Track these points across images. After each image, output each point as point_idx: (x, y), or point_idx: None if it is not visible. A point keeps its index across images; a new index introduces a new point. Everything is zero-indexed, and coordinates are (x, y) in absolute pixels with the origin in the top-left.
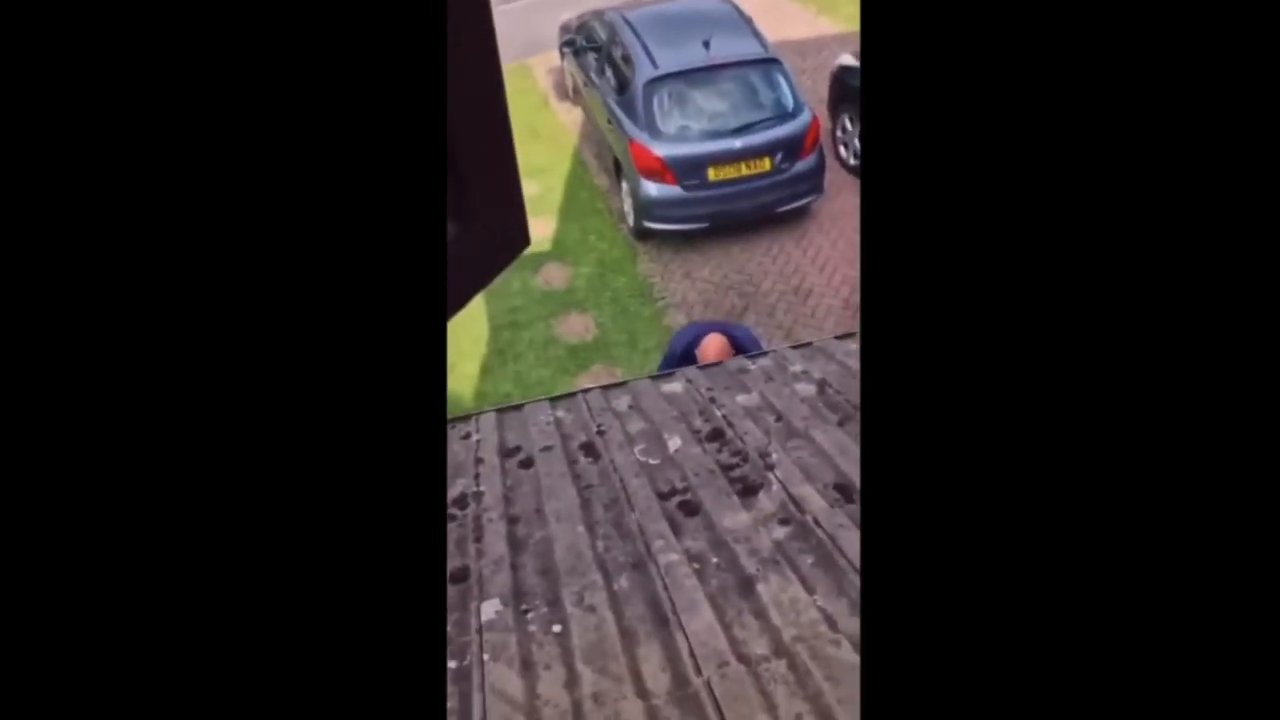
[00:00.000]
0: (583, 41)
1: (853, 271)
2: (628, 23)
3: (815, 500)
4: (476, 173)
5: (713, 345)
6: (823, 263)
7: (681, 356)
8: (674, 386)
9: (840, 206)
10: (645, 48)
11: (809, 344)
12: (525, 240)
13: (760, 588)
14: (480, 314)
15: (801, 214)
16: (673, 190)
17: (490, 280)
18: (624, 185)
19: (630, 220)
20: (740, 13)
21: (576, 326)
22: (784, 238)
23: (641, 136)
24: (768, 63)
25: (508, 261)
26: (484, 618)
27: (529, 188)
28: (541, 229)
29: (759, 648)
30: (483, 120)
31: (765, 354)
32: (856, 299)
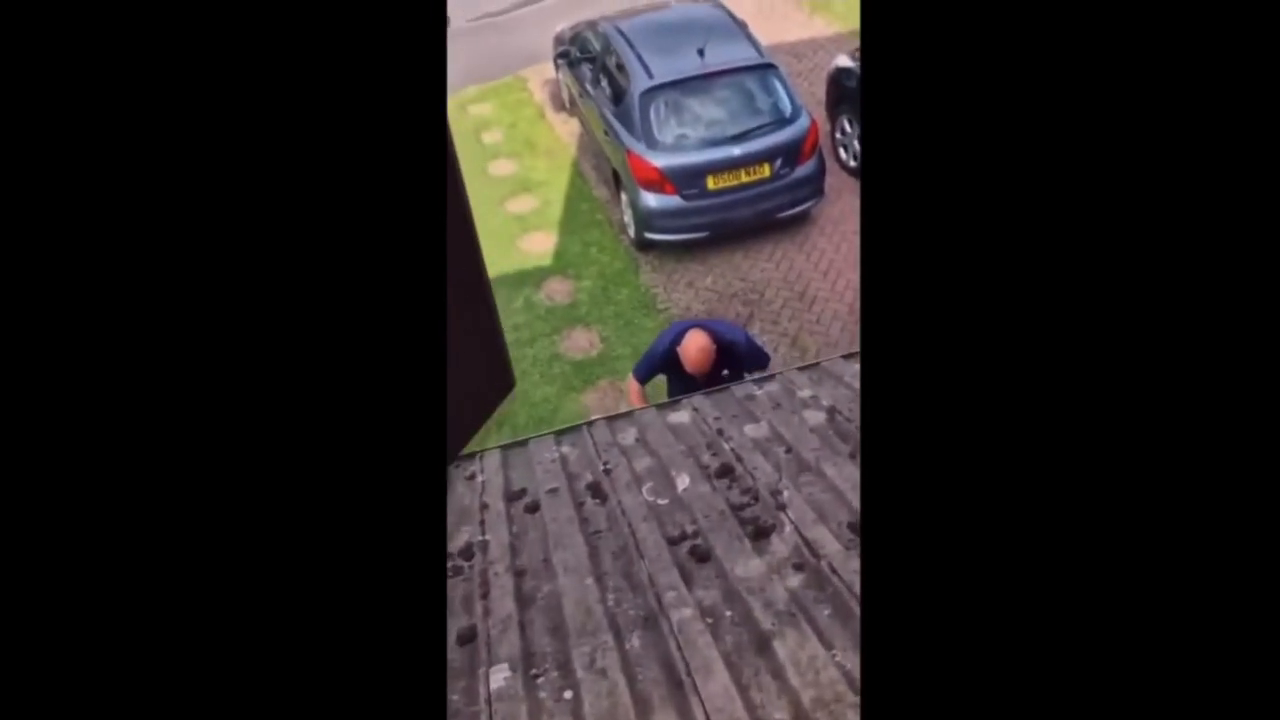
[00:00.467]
0: (577, 53)
1: (855, 275)
2: (621, 33)
3: (830, 543)
4: (454, 320)
5: (694, 342)
6: (825, 267)
7: (664, 354)
8: (681, 417)
9: (841, 210)
10: (640, 58)
11: (816, 365)
12: (510, 383)
13: (776, 644)
14: None
15: (803, 218)
16: (672, 200)
17: (481, 425)
18: (623, 196)
19: (631, 231)
20: (733, 18)
21: (581, 342)
22: (786, 243)
23: (639, 147)
24: (763, 68)
25: (495, 405)
26: (493, 685)
27: (528, 202)
28: (542, 243)
29: (777, 711)
30: (462, 278)
31: (772, 378)
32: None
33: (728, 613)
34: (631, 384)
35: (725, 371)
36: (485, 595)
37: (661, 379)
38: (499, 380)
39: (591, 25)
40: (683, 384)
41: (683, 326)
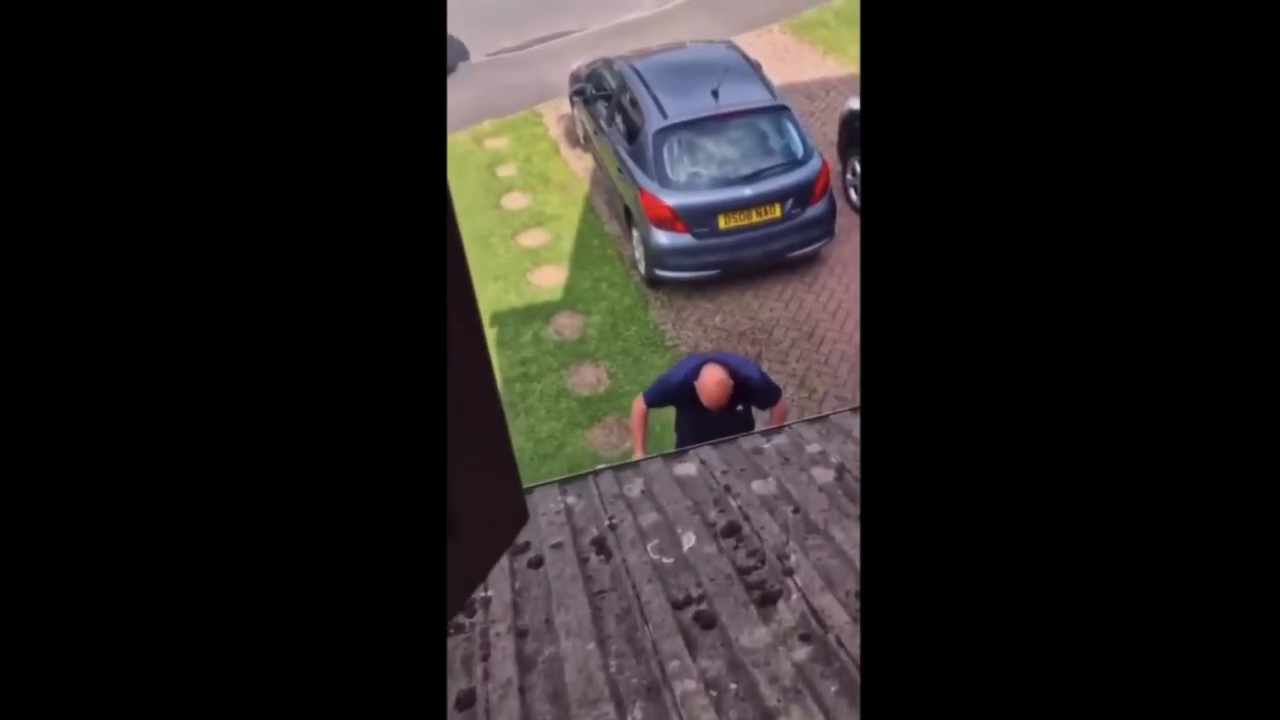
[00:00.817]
0: (592, 90)
1: None
2: (636, 72)
3: (838, 613)
4: (471, 454)
5: (712, 376)
6: (835, 308)
7: (680, 386)
8: (688, 469)
9: (851, 251)
10: (654, 97)
11: (825, 418)
12: (524, 517)
13: None
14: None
15: (813, 259)
16: (684, 239)
17: (495, 561)
18: (635, 233)
19: (641, 268)
20: (748, 60)
21: (588, 378)
22: (795, 282)
23: (652, 186)
24: (776, 110)
25: (509, 541)
26: None
27: (539, 236)
28: (553, 277)
29: None
30: (475, 409)
31: (780, 430)
32: None
33: (732, 685)
34: (638, 406)
35: (739, 407)
36: (486, 657)
37: (667, 412)
38: (511, 514)
39: (608, 63)
40: (693, 415)
41: (698, 360)
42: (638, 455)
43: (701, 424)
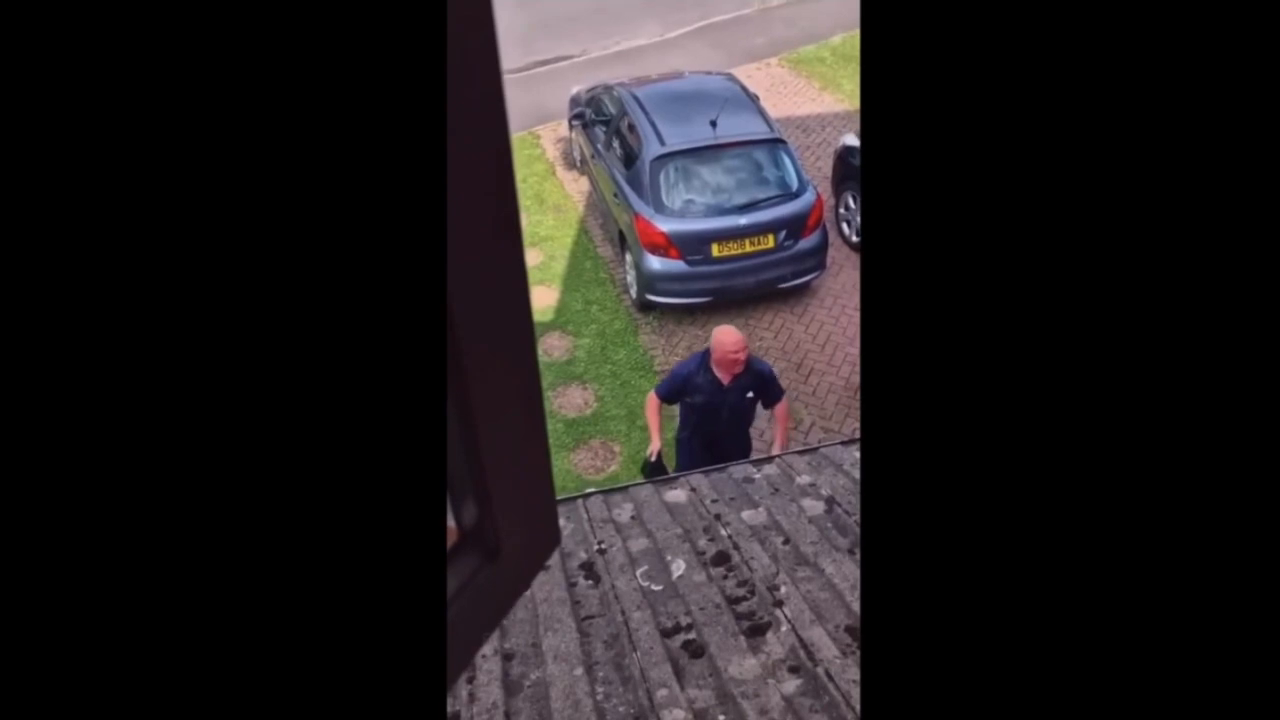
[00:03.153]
0: (592, 114)
1: (853, 349)
2: (636, 98)
3: (827, 646)
4: (516, 471)
5: (729, 334)
6: (824, 340)
7: (688, 377)
8: (678, 496)
9: (842, 283)
10: (653, 124)
11: (815, 449)
12: (556, 539)
13: None
14: None
15: (803, 290)
16: (677, 265)
17: (528, 584)
18: (628, 257)
19: (633, 292)
20: (746, 92)
21: (576, 399)
22: (786, 313)
23: (647, 211)
24: (773, 142)
25: (541, 564)
26: None
27: (532, 256)
28: (544, 298)
29: None
30: (522, 422)
31: (770, 460)
32: (857, 378)
33: (720, 716)
34: (651, 399)
35: (750, 394)
36: (471, 679)
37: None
38: (545, 535)
39: (608, 89)
40: (702, 408)
41: (702, 353)
42: (654, 443)
43: (712, 415)
